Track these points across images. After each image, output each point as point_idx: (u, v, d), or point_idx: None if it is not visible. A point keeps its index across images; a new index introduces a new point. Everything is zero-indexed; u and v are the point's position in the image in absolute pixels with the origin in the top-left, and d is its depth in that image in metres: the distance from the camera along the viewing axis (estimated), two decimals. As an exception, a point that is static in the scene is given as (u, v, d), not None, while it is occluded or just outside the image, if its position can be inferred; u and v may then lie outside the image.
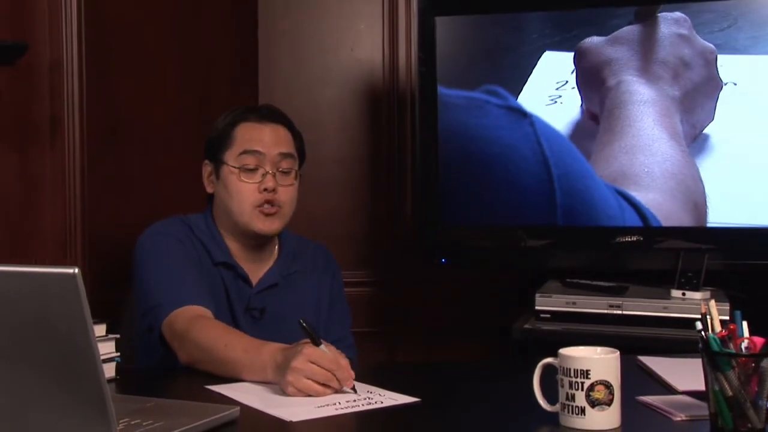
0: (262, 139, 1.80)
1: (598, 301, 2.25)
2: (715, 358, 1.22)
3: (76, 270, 1.04)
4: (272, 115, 1.84)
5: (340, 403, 1.37)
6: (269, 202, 1.78)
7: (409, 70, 2.75)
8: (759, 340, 1.24)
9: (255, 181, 1.78)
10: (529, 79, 2.40)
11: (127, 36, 2.30)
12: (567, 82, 2.38)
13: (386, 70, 2.81)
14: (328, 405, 1.36)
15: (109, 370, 1.55)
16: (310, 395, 1.41)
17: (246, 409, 1.34)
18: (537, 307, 2.27)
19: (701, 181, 2.26)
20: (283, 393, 1.43)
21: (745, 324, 1.26)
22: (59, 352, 1.07)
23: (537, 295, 2.29)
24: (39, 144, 2.13)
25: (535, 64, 2.39)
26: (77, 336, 1.06)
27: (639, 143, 2.29)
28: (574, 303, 2.26)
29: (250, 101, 2.79)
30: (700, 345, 1.25)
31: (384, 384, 1.48)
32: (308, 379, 1.41)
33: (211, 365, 1.56)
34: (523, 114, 2.38)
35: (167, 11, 2.44)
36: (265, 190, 1.77)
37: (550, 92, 2.39)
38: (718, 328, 1.26)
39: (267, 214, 1.78)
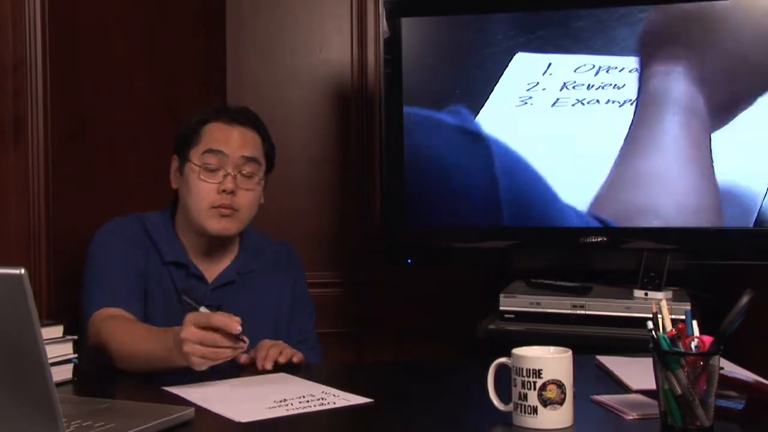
0: (227, 140, 1.80)
1: (561, 301, 2.26)
2: (665, 357, 1.24)
3: (23, 270, 1.03)
4: (243, 118, 1.83)
5: (292, 403, 1.37)
6: (227, 205, 1.77)
7: (378, 71, 2.75)
8: (708, 339, 1.25)
9: (215, 182, 1.78)
10: (499, 81, 2.40)
11: (93, 36, 2.29)
12: (538, 83, 2.40)
13: (354, 71, 2.81)
14: (279, 405, 1.36)
15: (66, 372, 1.55)
16: (216, 361, 1.45)
17: (200, 410, 1.34)
18: (501, 308, 2.28)
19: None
20: (238, 393, 1.43)
21: (695, 323, 1.28)
22: (6, 354, 1.06)
23: (501, 295, 2.30)
24: (2, 143, 2.11)
25: (503, 64, 2.40)
26: (24, 337, 1.05)
27: (658, 171, 2.27)
28: (538, 303, 2.27)
29: (218, 101, 2.78)
30: (651, 344, 1.27)
31: (339, 384, 1.48)
32: (201, 344, 1.44)
33: (126, 363, 1.58)
34: (478, 137, 2.38)
35: (134, 11, 2.43)
36: (224, 191, 1.77)
37: (521, 93, 2.41)
38: (668, 327, 1.28)
39: (222, 215, 1.77)
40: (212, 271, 1.84)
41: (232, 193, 1.77)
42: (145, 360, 1.56)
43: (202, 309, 1.49)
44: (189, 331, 1.45)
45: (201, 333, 1.45)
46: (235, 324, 1.45)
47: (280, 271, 1.91)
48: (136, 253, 1.79)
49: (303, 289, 1.95)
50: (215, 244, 1.84)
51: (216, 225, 1.78)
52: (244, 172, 1.79)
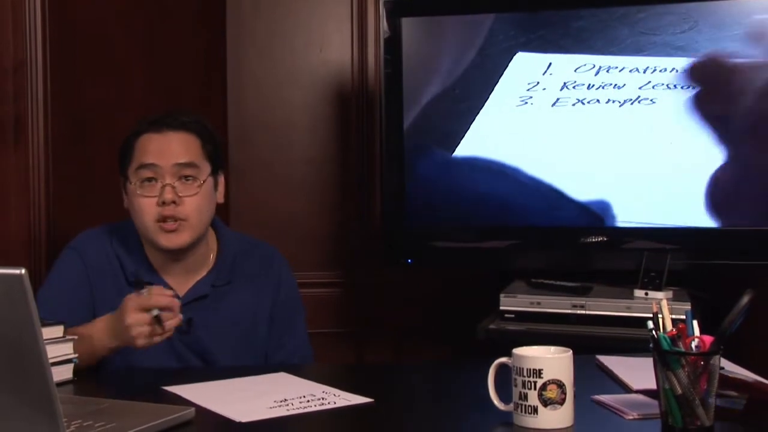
0: (158, 150, 1.72)
1: (562, 301, 2.27)
2: (665, 357, 1.24)
3: (23, 270, 1.03)
4: (174, 122, 1.75)
5: (293, 403, 1.37)
6: (170, 216, 1.71)
7: (378, 71, 2.75)
8: (708, 339, 1.25)
9: (154, 195, 1.71)
10: (500, 80, 2.40)
11: (93, 36, 2.29)
12: (538, 83, 2.40)
13: (355, 71, 2.81)
14: (280, 405, 1.36)
15: (66, 372, 1.54)
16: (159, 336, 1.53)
17: (200, 410, 1.34)
18: (501, 307, 2.29)
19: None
20: (238, 392, 1.44)
21: (695, 323, 1.27)
22: (6, 354, 1.06)
23: (502, 295, 2.30)
24: (3, 144, 2.12)
25: (503, 64, 2.40)
26: (25, 337, 1.05)
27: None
28: (538, 303, 2.27)
29: (218, 102, 2.78)
30: (651, 344, 1.27)
31: (340, 384, 1.48)
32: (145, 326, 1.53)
33: None
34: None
35: (134, 11, 2.43)
36: (164, 203, 1.70)
37: (521, 93, 2.41)
38: (669, 327, 1.28)
39: (168, 231, 1.71)
40: (184, 284, 1.78)
41: (174, 203, 1.71)
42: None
43: (144, 291, 1.56)
44: (134, 317, 1.53)
45: (146, 317, 1.54)
46: (175, 302, 1.57)
47: (260, 279, 1.83)
48: (82, 275, 1.77)
49: (287, 298, 1.86)
50: (180, 257, 1.77)
51: (165, 241, 1.72)
52: (183, 176, 1.73)
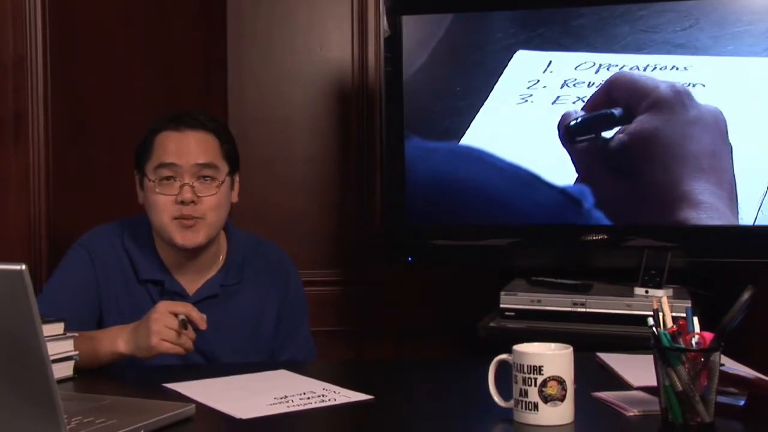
0: (178, 149, 1.72)
1: (562, 299, 2.26)
2: (666, 354, 1.24)
3: (23, 266, 1.03)
4: (193, 122, 1.75)
5: (293, 400, 1.37)
6: (188, 215, 1.71)
7: (378, 69, 2.75)
8: (708, 335, 1.25)
9: (172, 193, 1.71)
10: (500, 78, 2.40)
11: (93, 33, 2.29)
12: (539, 81, 2.40)
13: (355, 69, 2.81)
14: (280, 402, 1.37)
15: (67, 369, 1.55)
16: (179, 345, 1.54)
17: (201, 407, 1.34)
18: (502, 305, 2.29)
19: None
20: (239, 389, 1.44)
21: (695, 319, 1.28)
22: (7, 350, 1.06)
23: (502, 293, 2.30)
24: (2, 141, 2.12)
25: (504, 62, 2.40)
26: (25, 333, 1.05)
27: (659, 168, 2.32)
28: (539, 301, 2.27)
29: (219, 100, 2.78)
30: (652, 341, 1.27)
31: (340, 381, 1.48)
32: (169, 328, 1.54)
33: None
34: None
35: (135, 9, 2.43)
36: (182, 202, 1.70)
37: (522, 91, 2.41)
38: (669, 323, 1.28)
39: (185, 227, 1.71)
40: (194, 283, 1.78)
41: (193, 202, 1.71)
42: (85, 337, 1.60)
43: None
44: (164, 318, 1.55)
45: (175, 321, 1.55)
46: (203, 323, 1.58)
47: (269, 279, 1.84)
48: (91, 274, 1.76)
49: (294, 302, 1.87)
50: (192, 256, 1.77)
51: (181, 238, 1.72)
52: (202, 176, 1.73)
